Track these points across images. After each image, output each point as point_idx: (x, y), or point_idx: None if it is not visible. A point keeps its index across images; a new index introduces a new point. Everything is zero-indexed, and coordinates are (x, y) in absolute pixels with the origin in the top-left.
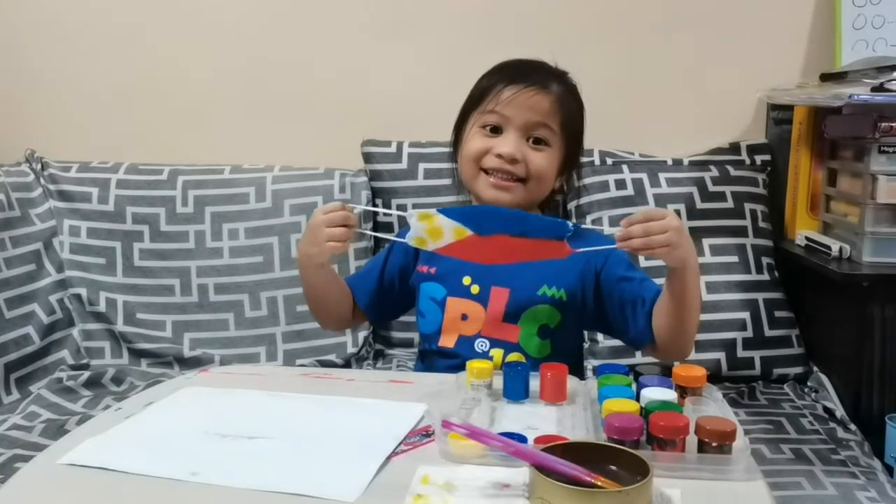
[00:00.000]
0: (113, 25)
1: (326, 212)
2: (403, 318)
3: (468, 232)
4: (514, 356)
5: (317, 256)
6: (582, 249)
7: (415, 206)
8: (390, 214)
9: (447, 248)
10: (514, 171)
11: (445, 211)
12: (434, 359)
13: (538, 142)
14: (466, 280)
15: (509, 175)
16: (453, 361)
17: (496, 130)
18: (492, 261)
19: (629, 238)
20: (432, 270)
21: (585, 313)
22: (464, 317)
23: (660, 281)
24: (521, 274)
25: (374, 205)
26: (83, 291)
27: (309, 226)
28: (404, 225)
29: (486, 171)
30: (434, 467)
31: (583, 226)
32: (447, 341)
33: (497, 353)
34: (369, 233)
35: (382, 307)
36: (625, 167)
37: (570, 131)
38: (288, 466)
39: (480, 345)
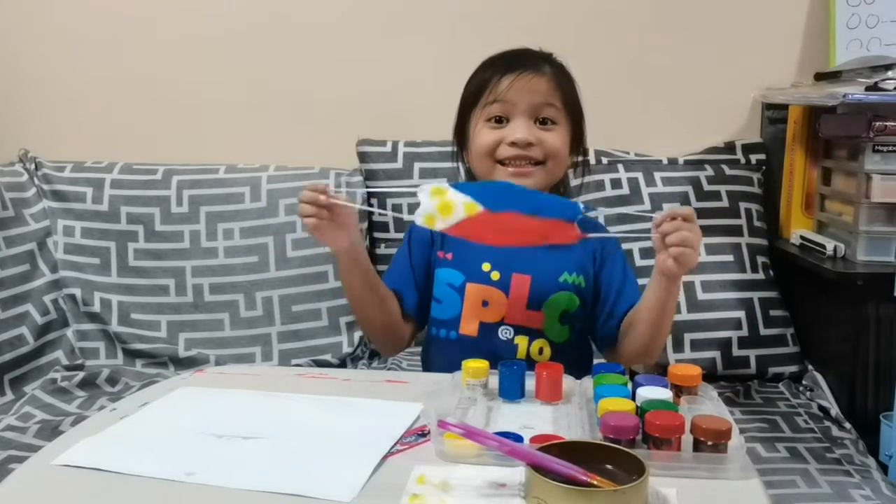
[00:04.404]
0: (107, 25)
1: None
2: None
3: (479, 207)
4: (539, 343)
5: (320, 242)
6: (592, 235)
7: (411, 206)
8: (385, 214)
9: (457, 228)
10: (531, 156)
11: (458, 185)
12: (449, 349)
13: (546, 122)
14: (486, 266)
15: (527, 160)
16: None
17: (502, 120)
18: (502, 242)
19: (676, 230)
20: (448, 256)
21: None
22: (484, 303)
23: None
24: (540, 260)
25: (370, 204)
26: (77, 292)
27: None
28: (400, 225)
29: (501, 163)
30: (430, 467)
31: (592, 216)
32: (469, 328)
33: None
34: (380, 211)
35: (426, 306)
36: (620, 166)
37: (573, 108)
38: (284, 466)
39: (504, 332)
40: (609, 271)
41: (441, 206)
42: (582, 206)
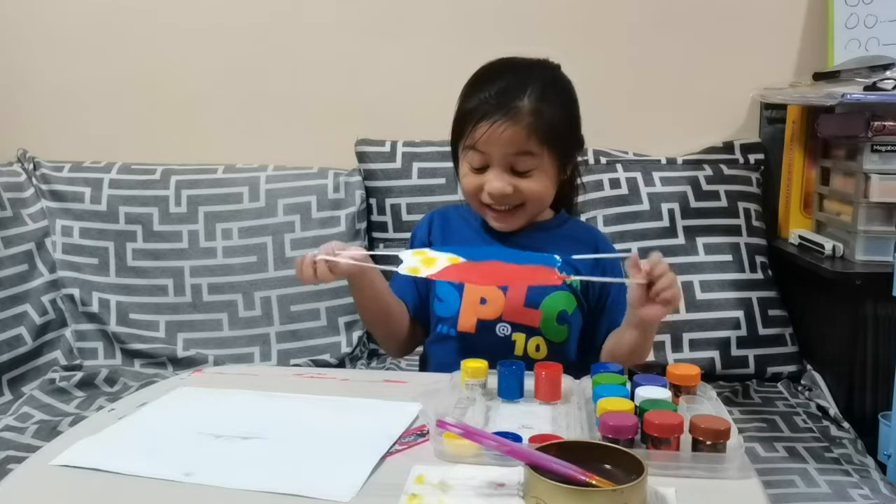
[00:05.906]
0: (105, 25)
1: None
2: None
3: (461, 260)
4: (535, 340)
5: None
6: (573, 277)
7: (409, 206)
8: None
9: (441, 273)
10: (509, 203)
11: (438, 249)
12: (447, 345)
13: (523, 171)
14: None
15: (507, 205)
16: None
17: (482, 167)
18: (486, 283)
19: (670, 284)
20: None
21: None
22: (482, 300)
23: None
24: None
25: (368, 203)
26: (76, 292)
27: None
28: (398, 225)
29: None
30: (429, 467)
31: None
32: (467, 325)
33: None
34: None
35: (427, 312)
36: (619, 166)
37: (556, 140)
38: (282, 467)
39: (502, 329)
40: (605, 285)
41: (424, 260)
42: (557, 258)
